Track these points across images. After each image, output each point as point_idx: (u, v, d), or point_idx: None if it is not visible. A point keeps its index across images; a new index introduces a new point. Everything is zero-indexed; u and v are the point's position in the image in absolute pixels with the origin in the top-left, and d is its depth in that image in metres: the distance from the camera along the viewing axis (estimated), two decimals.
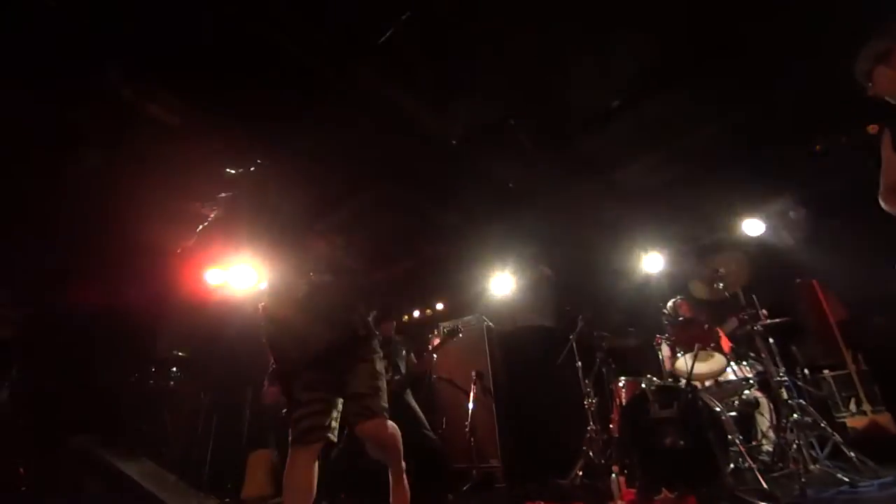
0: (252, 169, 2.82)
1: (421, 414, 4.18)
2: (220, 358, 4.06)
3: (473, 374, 5.20)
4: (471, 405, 5.02)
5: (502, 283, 5.75)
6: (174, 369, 3.65)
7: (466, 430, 4.93)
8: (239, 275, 4.41)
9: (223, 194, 3.12)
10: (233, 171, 2.82)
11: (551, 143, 3.82)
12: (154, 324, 3.48)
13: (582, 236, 4.91)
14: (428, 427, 4.10)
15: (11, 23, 1.87)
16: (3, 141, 2.38)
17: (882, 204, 1.97)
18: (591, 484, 3.88)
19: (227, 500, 3.18)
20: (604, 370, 4.32)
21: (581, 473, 4.06)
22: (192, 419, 3.78)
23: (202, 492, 2.98)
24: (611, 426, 4.18)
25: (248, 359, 4.37)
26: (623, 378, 4.06)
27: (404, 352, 4.50)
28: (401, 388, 4.16)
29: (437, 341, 5.72)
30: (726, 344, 3.97)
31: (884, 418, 4.12)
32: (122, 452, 2.68)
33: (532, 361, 5.37)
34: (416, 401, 4.36)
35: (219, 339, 4.12)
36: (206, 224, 3.53)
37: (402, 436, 2.19)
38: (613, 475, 3.23)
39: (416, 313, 6.25)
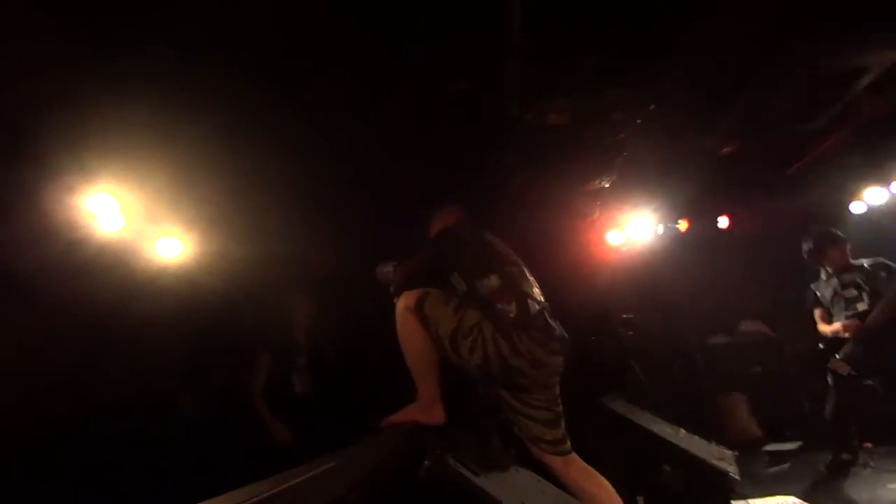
0: (638, 122, 2.69)
1: None
2: (654, 314, 4.20)
3: None
4: None
5: None
6: (622, 329, 3.98)
7: None
8: (637, 228, 4.42)
9: (616, 160, 3.17)
10: (620, 135, 2.79)
11: None
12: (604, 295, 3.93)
13: None
14: None
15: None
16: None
17: None
18: None
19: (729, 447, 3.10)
20: None
21: None
22: (651, 372, 4.01)
23: (706, 440, 3.01)
24: None
25: (683, 306, 4.31)
26: None
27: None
28: None
29: None
30: None
31: None
32: (630, 408, 3.05)
33: None
34: None
35: (646, 295, 4.25)
36: (603, 193, 3.73)
37: None
38: None
39: None
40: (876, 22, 2.50)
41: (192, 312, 2.73)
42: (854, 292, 3.43)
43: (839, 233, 3.60)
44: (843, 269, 3.51)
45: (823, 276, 3.64)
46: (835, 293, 3.52)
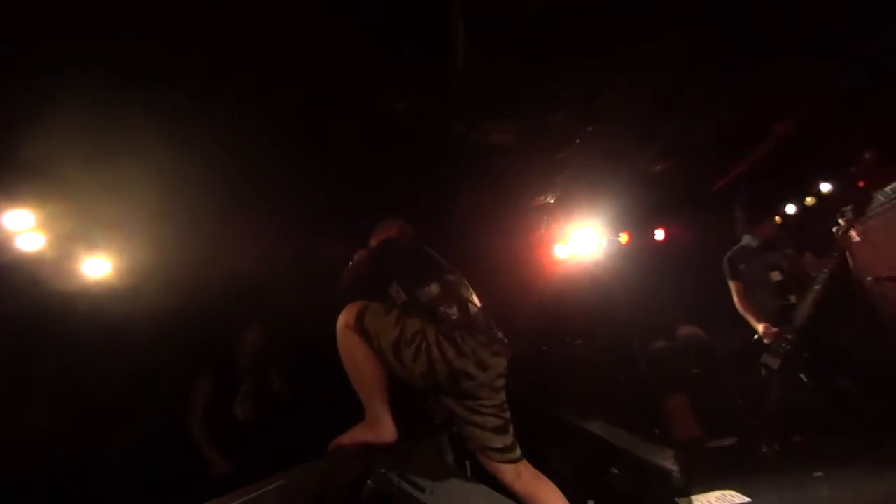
0: (577, 142, 2.85)
1: None
2: (600, 323, 4.38)
3: None
4: None
5: None
6: (570, 338, 4.11)
7: None
8: (582, 242, 4.61)
9: (559, 177, 3.33)
10: (562, 155, 2.94)
11: None
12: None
13: None
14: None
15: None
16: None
17: None
18: None
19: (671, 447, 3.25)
20: None
21: None
22: (598, 378, 4.16)
23: (650, 441, 3.14)
24: None
25: (626, 314, 4.52)
26: None
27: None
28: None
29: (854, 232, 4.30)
30: None
31: None
32: (578, 413, 3.13)
33: None
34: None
35: (591, 305, 4.43)
36: (548, 209, 3.89)
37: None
38: None
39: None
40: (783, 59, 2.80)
41: (123, 336, 2.56)
42: (779, 276, 3.46)
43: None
44: (770, 244, 3.50)
45: (746, 244, 3.60)
46: (759, 271, 3.50)
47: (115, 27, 1.68)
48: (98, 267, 2.58)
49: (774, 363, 3.43)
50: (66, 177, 2.13)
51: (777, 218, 3.67)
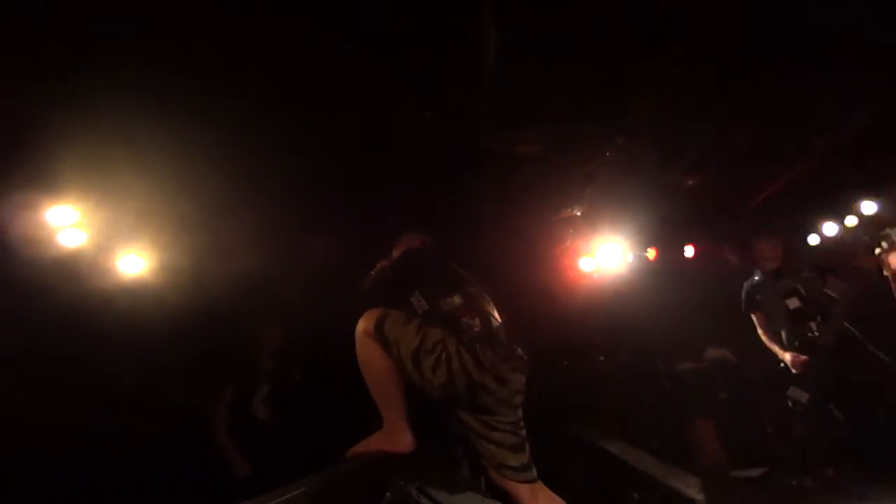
0: (607, 154, 2.81)
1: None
2: (625, 340, 4.28)
3: None
4: None
5: None
6: (593, 355, 4.03)
7: None
8: (608, 256, 4.52)
9: (586, 190, 3.29)
10: (590, 167, 2.91)
11: None
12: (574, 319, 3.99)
13: None
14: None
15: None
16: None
17: None
18: None
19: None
20: None
21: None
22: (621, 398, 4.05)
23: (673, 467, 3.03)
24: None
25: (652, 333, 4.40)
26: None
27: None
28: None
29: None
30: None
31: None
32: (600, 434, 3.06)
33: None
34: None
35: (616, 322, 4.33)
36: (575, 222, 3.84)
37: None
38: None
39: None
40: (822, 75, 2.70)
41: (150, 332, 2.63)
42: (797, 302, 3.33)
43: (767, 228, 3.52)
44: (778, 268, 3.40)
45: (758, 277, 3.50)
46: (775, 299, 3.39)
47: (155, 25, 1.74)
48: (131, 263, 2.68)
49: (803, 396, 3.27)
50: (110, 173, 2.21)
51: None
